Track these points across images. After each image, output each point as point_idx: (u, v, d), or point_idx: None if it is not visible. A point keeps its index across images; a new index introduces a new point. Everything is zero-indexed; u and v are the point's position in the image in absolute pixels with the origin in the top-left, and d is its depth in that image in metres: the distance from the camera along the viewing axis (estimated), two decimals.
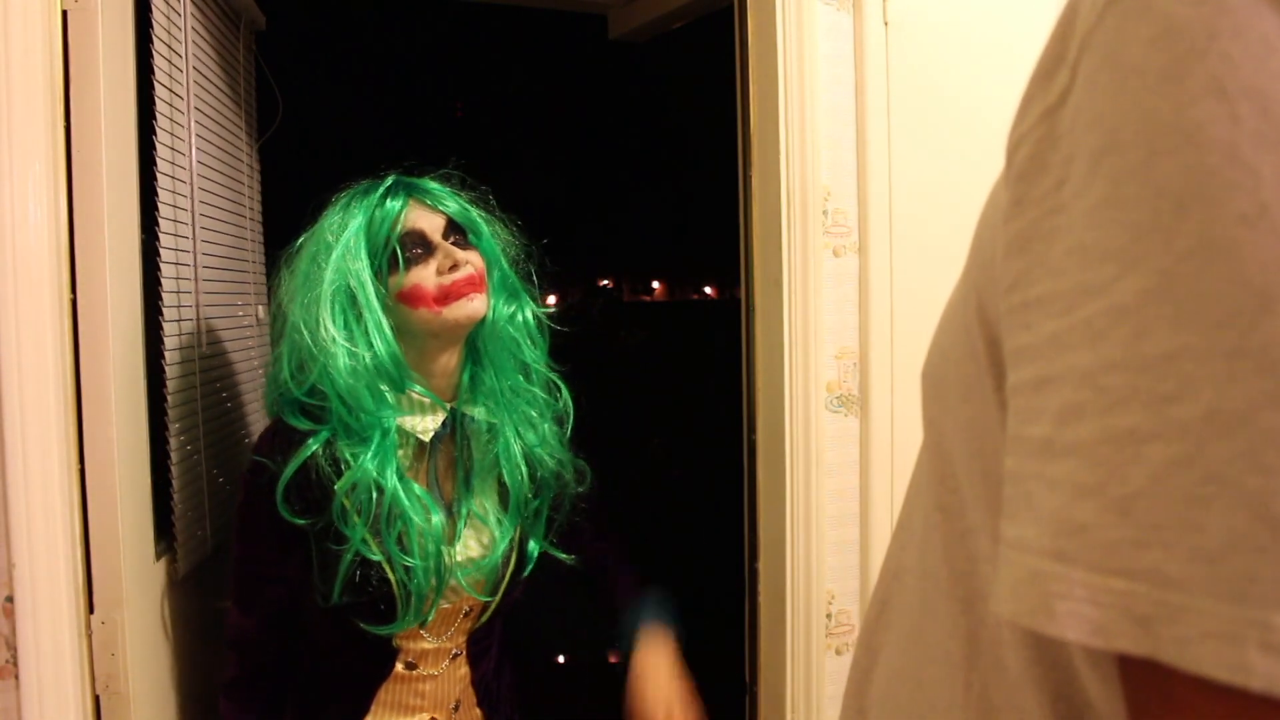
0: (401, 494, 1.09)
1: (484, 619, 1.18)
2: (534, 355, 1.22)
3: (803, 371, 1.35)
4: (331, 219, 1.14)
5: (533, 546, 1.20)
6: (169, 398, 1.22)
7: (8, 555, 1.00)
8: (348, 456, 1.08)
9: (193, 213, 1.38)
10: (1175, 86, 0.29)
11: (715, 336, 1.31)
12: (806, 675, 1.38)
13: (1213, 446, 0.27)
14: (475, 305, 1.12)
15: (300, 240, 1.17)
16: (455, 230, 1.15)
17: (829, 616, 1.39)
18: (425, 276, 1.11)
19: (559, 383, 1.25)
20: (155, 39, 1.20)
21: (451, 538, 1.16)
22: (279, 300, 1.15)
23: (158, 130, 1.20)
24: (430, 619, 1.13)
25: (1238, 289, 0.27)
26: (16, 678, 1.01)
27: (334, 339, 1.07)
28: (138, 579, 1.15)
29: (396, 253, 1.10)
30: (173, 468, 1.25)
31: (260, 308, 1.83)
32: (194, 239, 1.38)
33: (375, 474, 1.08)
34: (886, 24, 1.37)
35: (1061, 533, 0.30)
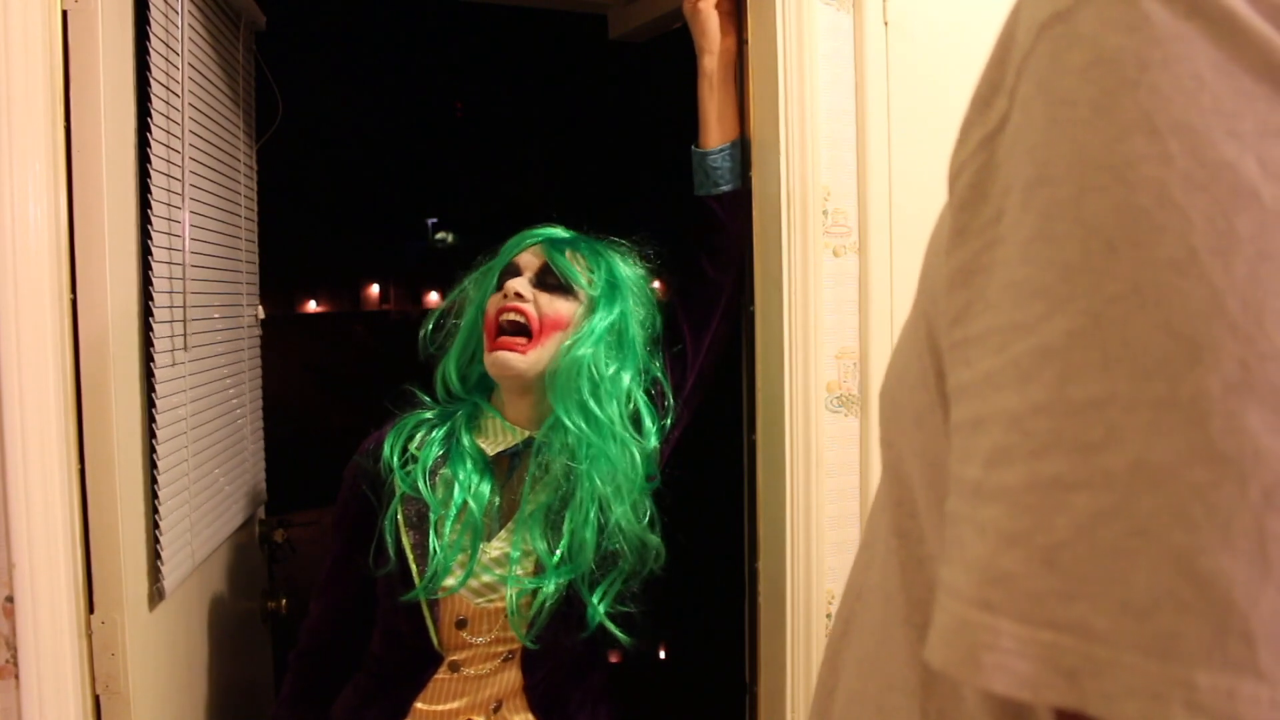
0: (466, 450, 1.20)
1: (530, 639, 1.18)
2: (626, 426, 1.21)
3: (803, 371, 1.35)
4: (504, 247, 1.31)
5: (593, 614, 1.18)
6: (156, 404, 1.20)
7: (8, 555, 1.00)
8: (425, 432, 1.23)
9: (189, 212, 1.38)
10: (1105, 120, 0.28)
11: None
12: (806, 675, 1.38)
13: (1139, 499, 0.26)
14: (507, 359, 1.18)
15: None
16: (549, 275, 1.23)
17: (829, 617, 1.39)
18: (493, 302, 1.23)
19: (652, 453, 1.23)
20: (153, 38, 1.20)
21: (490, 534, 1.19)
22: None
23: (153, 129, 1.20)
24: (458, 588, 1.15)
25: (1167, 337, 0.26)
26: (16, 678, 1.01)
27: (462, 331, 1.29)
28: (138, 579, 1.15)
29: (497, 279, 1.25)
30: (159, 477, 1.22)
31: (257, 309, 1.82)
32: (187, 238, 1.38)
33: (448, 433, 1.22)
34: (886, 24, 1.37)
35: (987, 581, 0.29)
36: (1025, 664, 0.28)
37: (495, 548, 1.18)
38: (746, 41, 1.41)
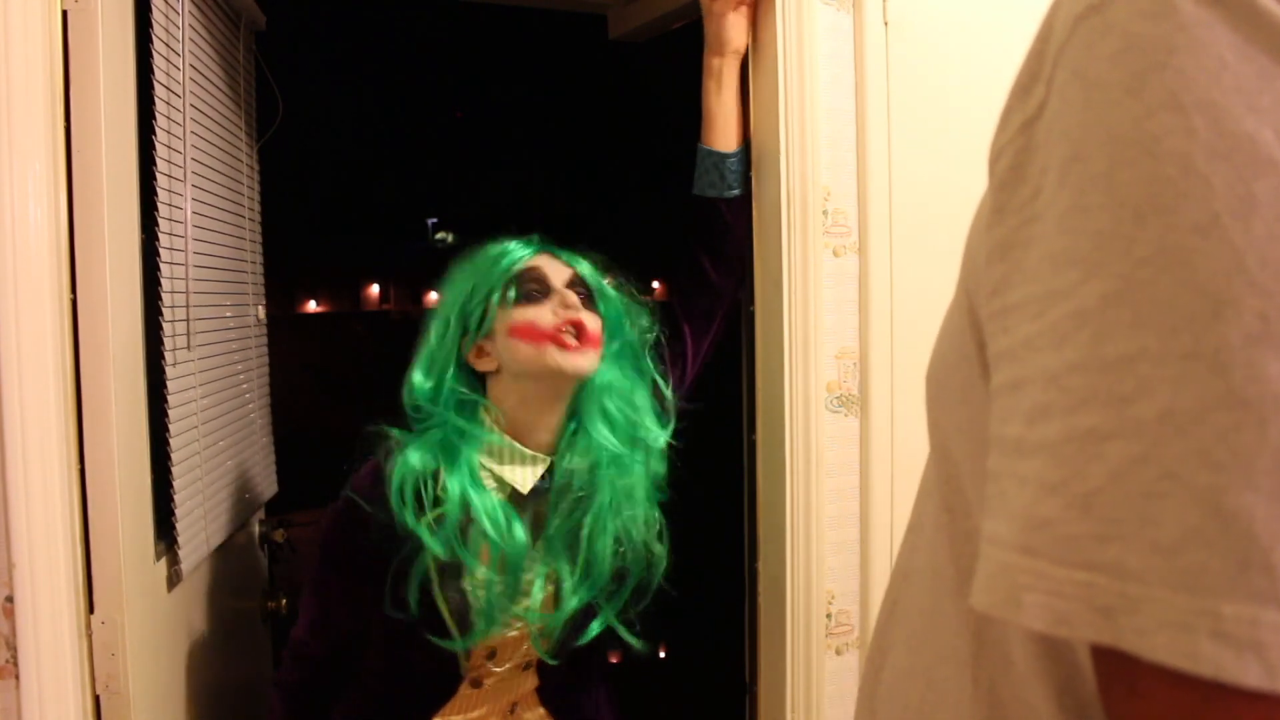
0: (481, 506, 1.10)
1: (552, 656, 1.17)
2: (649, 434, 1.19)
3: (803, 371, 1.35)
4: (480, 256, 1.19)
5: (597, 624, 1.17)
6: (169, 398, 1.22)
7: (8, 555, 1.00)
8: (432, 477, 1.11)
9: (192, 212, 1.38)
10: (1135, 100, 0.30)
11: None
12: (806, 675, 1.38)
13: (1168, 445, 0.28)
14: (583, 360, 1.12)
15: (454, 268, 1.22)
16: (581, 285, 1.17)
17: (829, 616, 1.39)
18: (540, 315, 1.12)
19: (662, 465, 1.23)
20: (155, 39, 1.20)
21: (526, 592, 1.16)
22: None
23: (156, 130, 1.20)
24: (492, 633, 1.13)
25: (1192, 295, 0.29)
26: (16, 678, 1.01)
27: (434, 345, 1.16)
28: (138, 579, 1.14)
29: (515, 289, 1.13)
30: (173, 469, 1.24)
31: (260, 308, 1.83)
32: (189, 238, 1.38)
33: (465, 486, 1.10)
34: (886, 24, 1.37)
35: (1028, 528, 0.31)
36: (1063, 603, 0.30)
37: (524, 579, 1.15)
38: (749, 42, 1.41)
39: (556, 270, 1.17)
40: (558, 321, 1.11)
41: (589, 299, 1.17)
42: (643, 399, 1.20)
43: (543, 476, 1.16)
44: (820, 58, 1.35)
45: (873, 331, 1.37)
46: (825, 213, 1.36)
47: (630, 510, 1.16)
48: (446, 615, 1.11)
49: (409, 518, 1.09)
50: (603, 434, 1.15)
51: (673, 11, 1.62)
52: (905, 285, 1.39)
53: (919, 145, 1.39)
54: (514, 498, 1.15)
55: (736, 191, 1.35)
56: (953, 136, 1.39)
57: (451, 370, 1.15)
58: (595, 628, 1.17)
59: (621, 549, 1.17)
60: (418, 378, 1.15)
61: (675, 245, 1.39)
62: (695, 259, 1.35)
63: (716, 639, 1.74)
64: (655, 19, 1.67)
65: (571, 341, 1.11)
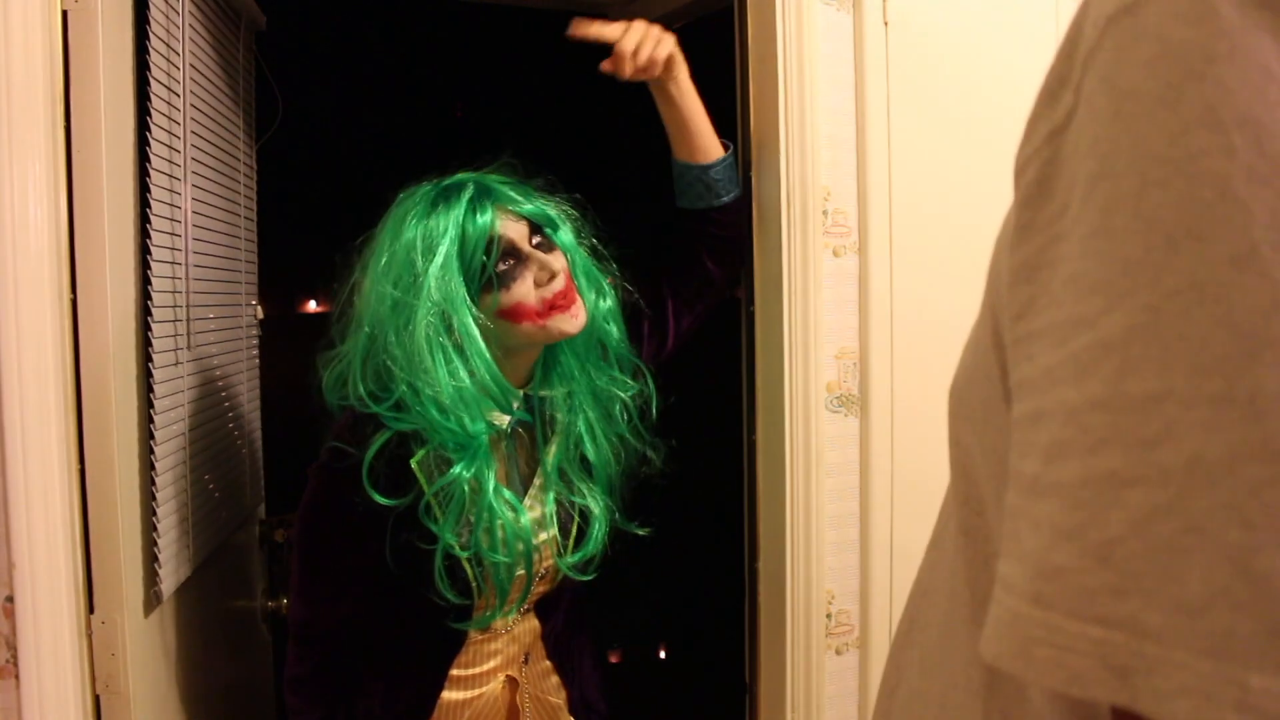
0: (492, 494, 1.11)
1: (555, 584, 1.22)
2: (615, 339, 1.24)
3: (803, 371, 1.35)
4: (413, 229, 1.09)
5: (601, 526, 1.22)
6: (155, 403, 1.19)
7: (8, 555, 1.00)
8: (436, 454, 1.10)
9: (191, 212, 1.38)
10: (1169, 113, 0.28)
11: (714, 336, 1.32)
12: (806, 675, 1.38)
13: (1195, 496, 0.26)
14: (579, 319, 1.13)
15: (374, 247, 1.13)
16: (537, 232, 1.13)
17: (829, 616, 1.39)
18: (525, 292, 1.10)
19: (642, 367, 1.27)
20: (153, 37, 1.20)
21: (541, 522, 1.19)
22: (355, 298, 1.13)
23: (153, 128, 1.20)
24: (507, 570, 1.15)
25: (1225, 333, 0.26)
26: (16, 678, 1.01)
27: (434, 367, 1.06)
28: (138, 579, 1.15)
29: (488, 270, 1.08)
30: (155, 479, 1.20)
31: (257, 307, 1.83)
32: (188, 238, 1.38)
33: (471, 475, 1.09)
34: (886, 24, 1.37)
35: (1040, 576, 0.29)
36: (1076, 659, 0.27)
37: (530, 509, 1.18)
38: (746, 42, 1.41)
39: (517, 230, 1.11)
40: (545, 296, 1.11)
41: (548, 241, 1.14)
42: (610, 309, 1.23)
43: (519, 409, 1.19)
44: (820, 58, 1.35)
45: (873, 331, 1.37)
46: (825, 213, 1.36)
47: (612, 410, 1.23)
48: (474, 578, 1.13)
49: (418, 506, 1.09)
50: (582, 359, 1.21)
51: (673, 11, 1.62)
52: (905, 285, 1.39)
53: (919, 145, 1.39)
54: (499, 433, 1.17)
55: (726, 199, 1.33)
56: (952, 136, 1.39)
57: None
58: (599, 531, 1.21)
59: (617, 450, 1.23)
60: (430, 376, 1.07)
61: (673, 236, 1.38)
62: (692, 248, 1.34)
63: (716, 639, 1.74)
64: (655, 20, 1.67)
65: (563, 303, 1.12)
